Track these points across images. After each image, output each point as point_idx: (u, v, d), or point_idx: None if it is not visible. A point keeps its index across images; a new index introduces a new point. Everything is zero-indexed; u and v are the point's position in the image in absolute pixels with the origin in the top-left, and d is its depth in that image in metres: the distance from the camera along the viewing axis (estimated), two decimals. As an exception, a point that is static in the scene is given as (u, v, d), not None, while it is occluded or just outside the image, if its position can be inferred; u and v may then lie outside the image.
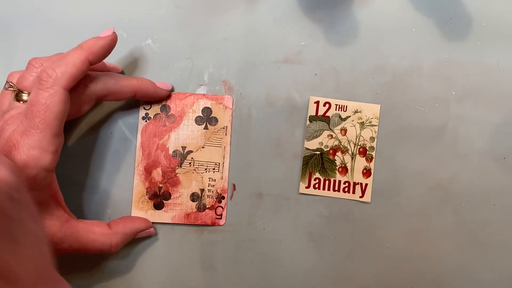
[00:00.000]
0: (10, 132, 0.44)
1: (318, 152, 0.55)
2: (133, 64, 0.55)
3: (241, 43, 0.56)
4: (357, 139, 0.55)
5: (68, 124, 0.54)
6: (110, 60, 0.55)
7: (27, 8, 0.56)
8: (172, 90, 0.55)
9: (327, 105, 0.55)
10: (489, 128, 0.55)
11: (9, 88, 0.47)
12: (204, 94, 0.55)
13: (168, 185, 0.54)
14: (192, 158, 0.54)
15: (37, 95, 0.43)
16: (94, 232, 0.48)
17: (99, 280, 0.54)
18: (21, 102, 0.46)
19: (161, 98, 0.54)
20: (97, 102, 0.51)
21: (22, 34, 0.55)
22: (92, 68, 0.49)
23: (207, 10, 0.56)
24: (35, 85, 0.44)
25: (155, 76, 0.55)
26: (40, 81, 0.43)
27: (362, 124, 0.55)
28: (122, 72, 0.55)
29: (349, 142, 0.55)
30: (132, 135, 0.54)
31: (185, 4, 0.56)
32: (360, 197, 0.55)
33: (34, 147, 0.42)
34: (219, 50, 0.56)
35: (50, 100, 0.43)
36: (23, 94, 0.47)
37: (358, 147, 0.55)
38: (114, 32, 0.48)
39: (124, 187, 0.54)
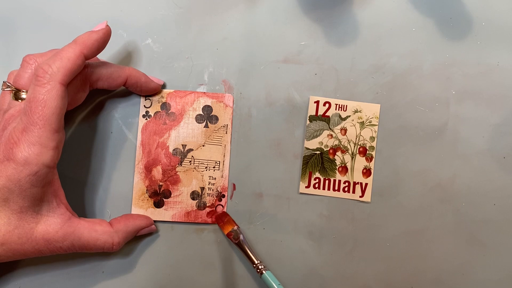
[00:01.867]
0: (11, 129, 0.44)
1: (318, 152, 0.55)
2: (133, 64, 0.55)
3: (241, 43, 0.56)
4: (357, 138, 0.55)
5: (69, 124, 0.54)
6: (110, 60, 0.55)
7: (28, 8, 0.56)
8: (164, 86, 0.55)
9: (327, 105, 0.55)
10: (489, 128, 0.55)
11: (7, 89, 0.47)
12: (204, 92, 0.55)
13: (168, 183, 0.54)
14: (192, 156, 0.54)
15: (34, 91, 0.43)
16: (96, 231, 0.48)
17: (98, 279, 0.54)
18: (20, 100, 0.46)
19: (152, 90, 0.54)
20: (90, 90, 0.51)
21: (22, 34, 0.55)
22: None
23: (207, 10, 0.56)
24: (32, 81, 0.45)
25: (155, 75, 0.55)
26: (37, 77, 0.43)
27: (362, 124, 0.55)
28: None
29: (349, 142, 0.55)
30: (132, 134, 0.54)
31: (185, 4, 0.56)
32: (360, 196, 0.55)
33: (34, 143, 0.42)
34: (219, 50, 0.56)
35: (47, 95, 0.43)
36: (21, 93, 0.47)
37: (358, 146, 0.55)
38: (107, 25, 0.48)
39: (124, 185, 0.54)
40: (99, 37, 0.47)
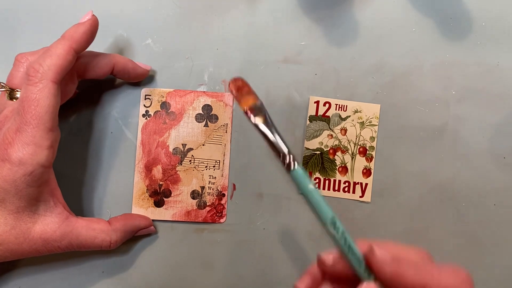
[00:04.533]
0: (5, 130, 0.43)
1: (318, 152, 0.55)
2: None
3: (241, 43, 0.56)
4: (357, 138, 0.55)
5: (68, 124, 0.54)
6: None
7: (28, 8, 0.56)
8: (153, 77, 0.55)
9: (327, 105, 0.55)
10: (489, 128, 0.55)
11: (1, 89, 0.47)
12: (204, 92, 0.55)
13: (169, 182, 0.54)
14: (192, 155, 0.54)
15: (26, 91, 0.43)
16: (94, 229, 0.48)
17: (98, 279, 0.54)
18: (15, 100, 0.46)
19: (139, 75, 0.54)
20: (79, 80, 0.51)
21: (22, 34, 0.55)
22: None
23: (207, 10, 0.56)
24: (24, 81, 0.45)
25: (155, 75, 0.55)
26: (28, 76, 0.43)
27: (362, 124, 0.55)
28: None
29: (349, 142, 0.55)
30: (131, 134, 0.54)
31: (185, 4, 0.56)
32: (360, 197, 0.55)
33: (29, 143, 0.42)
34: (219, 50, 0.56)
35: (39, 94, 0.43)
36: (16, 92, 0.46)
37: (358, 146, 0.55)
38: (93, 15, 0.47)
39: (124, 185, 0.54)
40: (87, 28, 0.46)
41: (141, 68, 0.53)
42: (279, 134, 0.39)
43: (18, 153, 0.42)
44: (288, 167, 0.38)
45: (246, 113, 0.40)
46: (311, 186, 0.38)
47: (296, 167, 0.38)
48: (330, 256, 0.40)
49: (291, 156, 0.38)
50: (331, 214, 0.38)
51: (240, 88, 0.42)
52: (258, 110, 0.40)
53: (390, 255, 0.37)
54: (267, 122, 0.39)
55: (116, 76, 0.53)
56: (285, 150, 0.38)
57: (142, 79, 0.55)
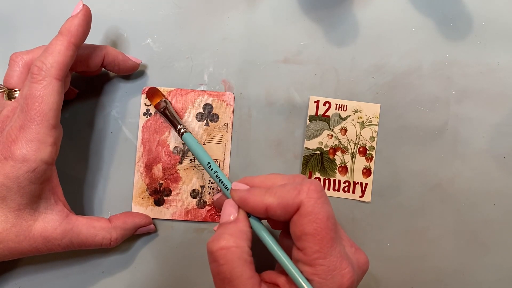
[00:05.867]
0: (8, 128, 0.43)
1: (318, 152, 0.55)
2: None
3: (241, 43, 0.56)
4: (357, 138, 0.55)
5: (69, 123, 0.54)
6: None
7: (28, 7, 0.55)
8: (141, 69, 0.55)
9: (327, 105, 0.55)
10: (489, 128, 0.55)
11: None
12: (205, 91, 0.55)
13: (169, 181, 0.54)
14: (192, 154, 0.54)
15: (30, 88, 0.43)
16: (94, 227, 0.48)
17: (98, 279, 0.54)
18: (13, 99, 0.46)
19: (129, 68, 0.54)
20: (71, 73, 0.51)
21: (22, 33, 0.55)
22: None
23: (207, 10, 0.56)
24: (21, 79, 0.45)
25: (155, 75, 0.55)
26: (32, 74, 0.43)
27: (362, 124, 0.55)
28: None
29: (349, 142, 0.55)
30: (132, 133, 0.54)
31: (185, 4, 0.56)
32: (360, 196, 0.55)
33: (33, 140, 0.42)
34: (219, 50, 0.56)
35: (44, 91, 0.43)
36: (14, 92, 0.47)
37: (358, 146, 0.55)
38: (84, 5, 0.47)
39: (124, 184, 0.54)
40: (81, 20, 0.46)
41: (132, 60, 0.53)
42: (174, 116, 0.53)
43: (22, 149, 0.42)
44: (180, 134, 0.52)
45: (155, 107, 0.54)
46: (196, 143, 0.51)
47: (185, 134, 0.51)
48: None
49: (182, 128, 0.52)
50: (207, 159, 0.50)
51: (152, 93, 0.54)
52: (163, 102, 0.54)
53: (244, 186, 0.46)
54: (168, 111, 0.53)
55: (107, 68, 0.53)
56: (179, 125, 0.52)
57: (132, 72, 0.55)
